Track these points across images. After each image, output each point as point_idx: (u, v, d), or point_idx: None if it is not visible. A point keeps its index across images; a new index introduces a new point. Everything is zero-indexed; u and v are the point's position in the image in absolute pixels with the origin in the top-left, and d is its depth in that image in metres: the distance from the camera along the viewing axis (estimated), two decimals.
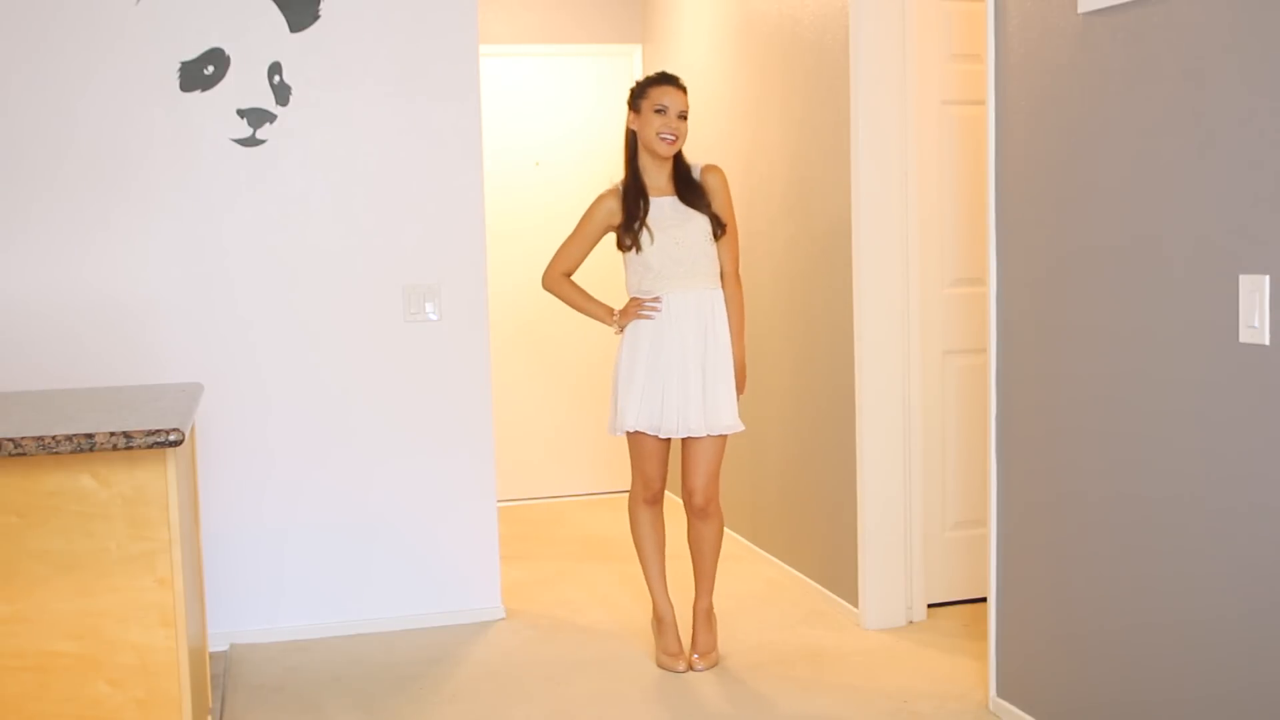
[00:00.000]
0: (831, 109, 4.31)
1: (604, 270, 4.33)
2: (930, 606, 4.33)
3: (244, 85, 4.19)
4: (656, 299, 3.82)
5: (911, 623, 4.25)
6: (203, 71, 4.16)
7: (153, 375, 4.14)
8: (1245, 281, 2.51)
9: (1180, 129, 2.67)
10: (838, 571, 4.42)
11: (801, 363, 4.69)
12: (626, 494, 4.20)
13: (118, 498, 2.61)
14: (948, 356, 4.32)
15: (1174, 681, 2.77)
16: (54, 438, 2.46)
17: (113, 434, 2.48)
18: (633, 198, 3.84)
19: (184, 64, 4.15)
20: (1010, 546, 3.38)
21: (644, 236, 3.80)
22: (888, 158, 4.12)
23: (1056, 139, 3.09)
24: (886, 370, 4.17)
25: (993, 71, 3.32)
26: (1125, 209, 2.86)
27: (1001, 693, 3.45)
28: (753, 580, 4.81)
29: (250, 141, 4.23)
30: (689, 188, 3.85)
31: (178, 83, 4.15)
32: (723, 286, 3.88)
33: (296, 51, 4.23)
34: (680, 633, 4.00)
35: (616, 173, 3.96)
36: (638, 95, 3.84)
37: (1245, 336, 2.52)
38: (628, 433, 3.88)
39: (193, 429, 3.26)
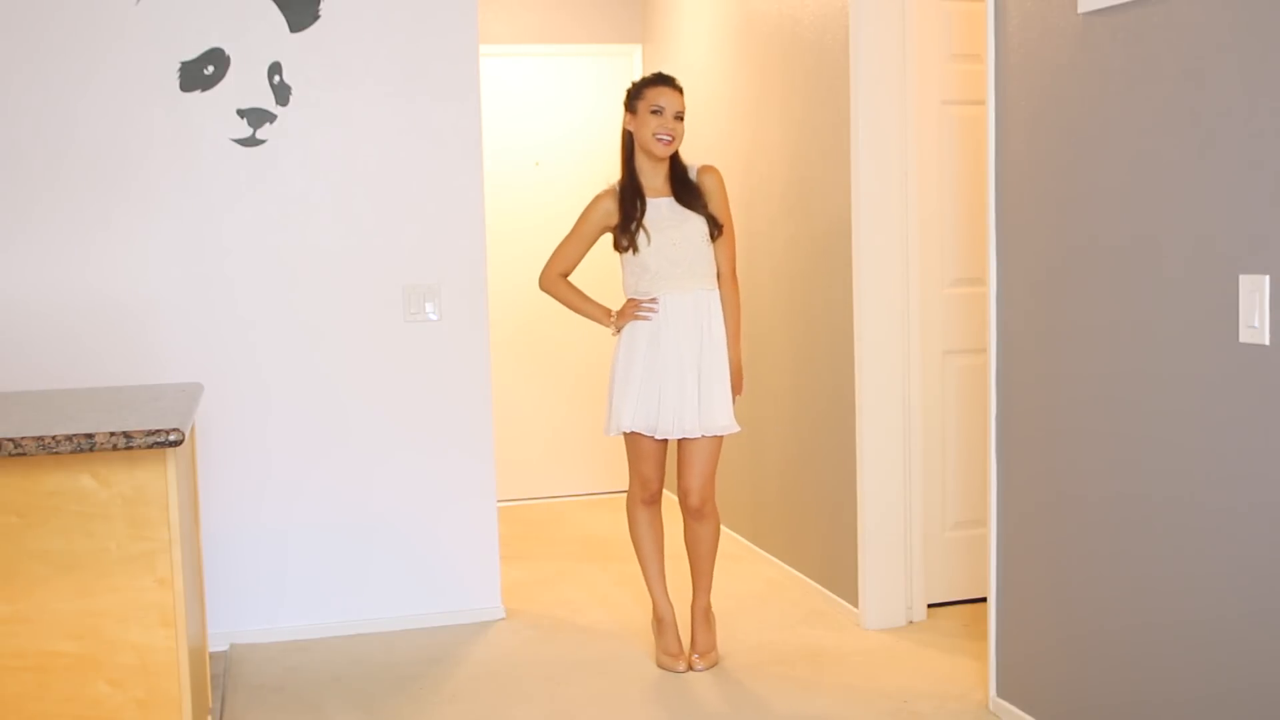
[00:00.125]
0: (831, 109, 4.31)
1: (601, 271, 4.33)
2: (930, 606, 4.33)
3: (244, 85, 4.19)
4: (653, 300, 3.82)
5: (911, 623, 4.25)
6: (203, 71, 4.16)
7: (153, 375, 4.14)
8: (1245, 281, 2.51)
9: (1180, 129, 2.68)
10: (838, 571, 4.42)
11: (801, 363, 4.68)
12: (626, 494, 4.20)
13: (118, 498, 2.61)
14: (948, 356, 4.32)
15: (1174, 681, 2.77)
16: (54, 438, 2.46)
17: (113, 434, 2.49)
18: (629, 199, 3.83)
19: (184, 64, 4.15)
20: (1010, 546, 3.38)
21: (641, 237, 3.79)
22: (888, 158, 4.12)
23: (1056, 139, 3.09)
24: (886, 370, 4.17)
25: (993, 71, 3.32)
26: (1125, 209, 2.86)
27: (1001, 693, 3.45)
28: (752, 580, 4.81)
29: (250, 141, 4.23)
30: (686, 189, 3.85)
31: (178, 83, 4.15)
32: (719, 287, 3.87)
33: (296, 51, 4.23)
34: (680, 633, 4.01)
35: (616, 173, 3.95)
36: (634, 96, 3.84)
37: (1245, 336, 2.52)
38: (625, 433, 3.89)
39: (193, 429, 3.26)
